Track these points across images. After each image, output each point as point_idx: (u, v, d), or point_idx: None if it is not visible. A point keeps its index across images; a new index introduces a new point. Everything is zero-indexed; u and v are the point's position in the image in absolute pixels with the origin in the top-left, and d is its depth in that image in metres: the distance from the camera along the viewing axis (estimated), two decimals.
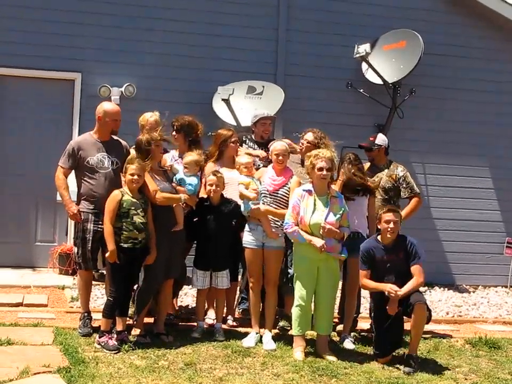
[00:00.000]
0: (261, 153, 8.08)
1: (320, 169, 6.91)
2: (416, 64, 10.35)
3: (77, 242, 7.35)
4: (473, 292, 10.86)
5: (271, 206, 7.28)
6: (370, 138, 8.45)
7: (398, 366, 6.79)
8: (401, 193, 8.28)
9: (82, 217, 7.22)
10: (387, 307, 6.80)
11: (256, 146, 8.42)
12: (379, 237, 7.03)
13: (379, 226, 7.05)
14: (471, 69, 11.25)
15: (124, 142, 7.54)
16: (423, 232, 10.80)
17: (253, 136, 8.57)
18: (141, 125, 7.84)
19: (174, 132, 7.88)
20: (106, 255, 6.83)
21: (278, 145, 7.41)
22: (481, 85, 11.27)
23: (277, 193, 7.30)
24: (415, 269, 6.89)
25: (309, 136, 7.80)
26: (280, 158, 7.31)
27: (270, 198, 7.30)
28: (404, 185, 8.26)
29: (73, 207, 7.24)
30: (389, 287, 6.77)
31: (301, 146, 7.84)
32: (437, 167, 11.17)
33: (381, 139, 8.42)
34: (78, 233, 7.30)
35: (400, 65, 10.54)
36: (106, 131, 7.39)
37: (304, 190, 7.01)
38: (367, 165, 8.20)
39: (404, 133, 10.91)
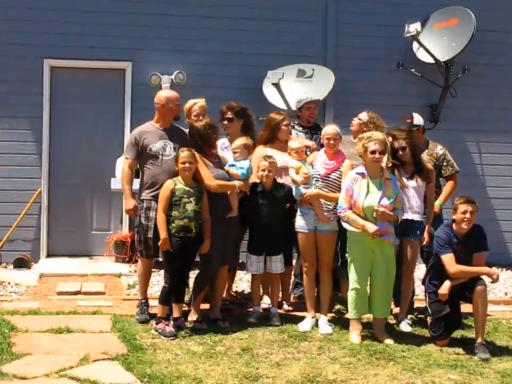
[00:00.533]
0: (312, 144, 8.00)
1: (373, 152, 6.83)
2: (468, 41, 10.15)
3: (138, 230, 7.41)
4: None
5: (323, 190, 7.24)
6: (407, 120, 8.32)
7: (457, 348, 6.71)
8: (442, 171, 8.12)
9: (145, 205, 7.27)
10: (438, 292, 6.71)
11: (303, 131, 8.38)
12: (454, 226, 6.87)
13: (454, 216, 6.89)
14: None
15: (184, 129, 7.56)
16: (480, 212, 10.52)
17: (299, 121, 8.51)
18: (187, 111, 7.84)
19: (226, 120, 7.86)
20: (159, 243, 6.88)
21: (329, 129, 7.35)
22: None
23: (329, 177, 7.25)
24: (479, 256, 6.79)
25: (363, 115, 7.79)
26: (332, 142, 7.25)
27: (322, 182, 7.26)
28: (445, 164, 8.09)
29: (130, 202, 7.29)
30: (492, 271, 6.74)
31: (351, 124, 7.78)
32: (492, 146, 10.95)
33: (417, 119, 8.29)
34: (140, 220, 7.34)
35: (452, 43, 10.34)
36: (170, 117, 7.44)
37: (357, 173, 6.94)
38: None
39: (457, 112, 10.73)
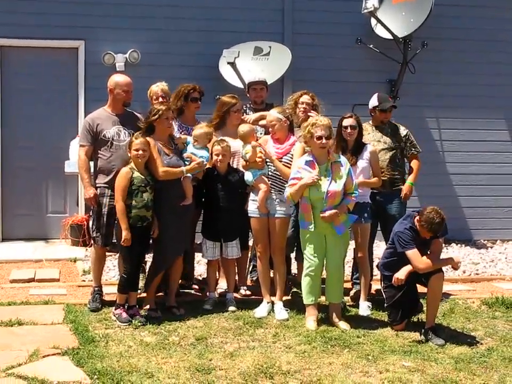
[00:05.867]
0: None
1: (319, 138, 6.72)
2: (426, 17, 10.11)
3: (92, 217, 7.31)
4: (491, 247, 10.73)
5: (275, 174, 7.17)
6: (390, 98, 8.17)
7: (413, 333, 6.70)
8: (405, 151, 8.03)
9: (98, 191, 7.16)
10: (394, 276, 6.65)
11: (252, 113, 8.16)
12: (418, 226, 6.68)
13: (417, 223, 6.66)
14: (483, 19, 10.94)
15: (138, 115, 7.42)
16: (439, 188, 10.69)
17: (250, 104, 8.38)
18: (150, 98, 7.69)
19: (199, 100, 7.73)
20: (121, 241, 6.76)
21: (269, 116, 7.24)
22: (494, 34, 10.99)
23: (281, 161, 7.15)
24: (439, 243, 6.72)
25: (305, 98, 7.70)
26: (272, 128, 7.17)
27: (274, 166, 7.18)
28: (408, 144, 8.01)
29: (90, 191, 7.15)
30: (456, 260, 6.67)
31: (298, 110, 7.66)
32: (451, 121, 10.95)
33: (373, 100, 8.09)
34: (93, 207, 7.23)
35: (411, 19, 10.28)
36: (119, 103, 7.28)
37: (306, 162, 6.84)
38: (367, 126, 7.92)
39: (416, 88, 10.71)
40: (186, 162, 7.14)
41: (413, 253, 6.60)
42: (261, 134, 7.73)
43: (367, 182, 7.36)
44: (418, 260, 6.57)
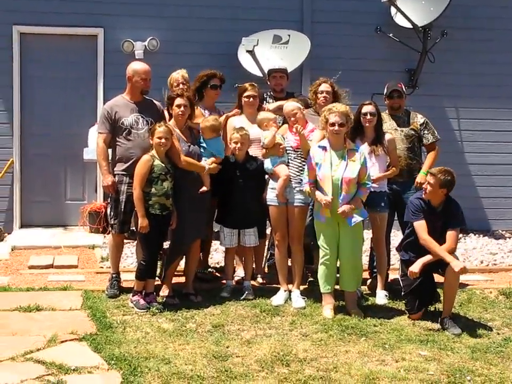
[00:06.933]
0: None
1: (333, 124, 6.73)
2: (446, 5, 10.05)
3: (110, 204, 7.34)
4: (510, 237, 10.65)
5: (295, 161, 7.17)
6: (398, 85, 8.13)
7: (430, 323, 6.69)
8: (424, 139, 7.99)
9: (117, 179, 7.17)
10: (409, 269, 6.65)
11: (272, 101, 8.20)
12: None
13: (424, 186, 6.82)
14: (504, 8, 10.84)
15: (157, 103, 7.43)
16: (457, 178, 10.44)
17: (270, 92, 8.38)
18: (170, 85, 7.70)
19: (218, 88, 7.72)
20: (139, 228, 6.79)
21: (286, 107, 7.24)
22: None
23: (299, 149, 7.15)
24: (452, 234, 6.70)
25: (324, 87, 7.65)
26: (292, 119, 7.15)
27: (294, 153, 7.18)
28: (426, 132, 7.95)
29: (108, 178, 7.16)
30: (456, 263, 6.53)
31: (319, 100, 7.62)
32: (470, 111, 10.85)
33: (388, 88, 8.10)
34: (111, 194, 7.25)
35: (430, 8, 10.22)
36: (137, 91, 7.27)
37: (319, 147, 6.86)
38: (384, 115, 7.88)
39: (435, 77, 10.62)
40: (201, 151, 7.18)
41: (418, 224, 6.67)
42: (279, 122, 7.72)
43: (384, 175, 7.35)
44: (421, 231, 6.63)
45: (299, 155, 7.16)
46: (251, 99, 7.59)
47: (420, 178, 7.72)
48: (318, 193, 6.79)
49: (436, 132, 7.98)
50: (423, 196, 6.73)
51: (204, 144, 7.21)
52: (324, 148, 6.83)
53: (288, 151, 7.21)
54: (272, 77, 8.33)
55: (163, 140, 6.80)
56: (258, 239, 7.54)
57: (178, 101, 6.98)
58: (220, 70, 7.96)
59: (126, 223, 7.25)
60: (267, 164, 7.26)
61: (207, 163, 7.12)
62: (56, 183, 10.21)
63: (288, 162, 7.20)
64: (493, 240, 10.36)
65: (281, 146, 7.20)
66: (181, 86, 7.51)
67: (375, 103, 7.39)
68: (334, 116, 6.73)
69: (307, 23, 10.42)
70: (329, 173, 6.73)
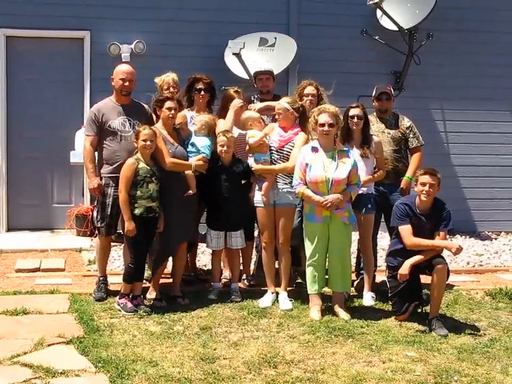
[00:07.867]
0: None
1: (322, 125, 6.76)
2: (432, 8, 10.13)
3: (96, 207, 7.34)
4: (495, 238, 10.74)
5: (277, 162, 7.19)
6: (387, 88, 8.17)
7: (416, 324, 6.71)
8: (409, 143, 8.03)
9: (103, 182, 7.17)
10: (398, 272, 6.67)
11: (259, 103, 8.19)
12: (417, 199, 6.79)
13: (415, 188, 6.84)
14: (489, 10, 10.95)
15: (145, 105, 7.44)
16: (443, 179, 10.46)
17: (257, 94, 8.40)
18: (159, 87, 7.71)
19: (202, 91, 7.71)
20: (125, 231, 6.79)
21: (277, 104, 7.26)
22: (500, 26, 10.98)
23: (283, 150, 7.18)
24: (441, 236, 6.70)
25: (309, 89, 7.69)
26: (279, 117, 7.19)
27: (277, 154, 7.20)
28: (411, 136, 7.99)
29: (94, 181, 7.15)
30: (450, 244, 6.68)
31: (305, 103, 7.63)
32: (456, 113, 10.94)
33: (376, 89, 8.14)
34: (97, 197, 7.25)
35: (416, 10, 10.29)
36: (118, 92, 7.27)
37: (311, 148, 6.88)
38: (371, 117, 7.91)
39: (421, 79, 10.70)
40: (190, 155, 7.19)
41: (403, 229, 6.69)
42: (267, 122, 7.74)
43: (371, 178, 7.38)
44: (407, 235, 6.66)
45: (281, 156, 7.18)
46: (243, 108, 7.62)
47: (403, 183, 7.76)
48: (314, 195, 6.79)
49: (420, 137, 8.03)
50: (424, 198, 6.70)
51: (193, 148, 7.23)
52: (315, 149, 6.86)
53: (271, 152, 7.23)
54: (259, 79, 8.37)
55: (148, 143, 6.79)
56: (245, 241, 7.55)
57: (168, 103, 6.98)
58: (206, 72, 7.98)
59: (113, 226, 7.25)
60: (250, 160, 7.29)
61: (193, 160, 7.13)
62: (43, 186, 10.20)
63: (273, 162, 7.22)
64: (479, 242, 10.44)
65: (265, 144, 7.22)
66: (171, 89, 7.53)
67: (362, 105, 7.41)
68: (324, 117, 6.76)
69: (293, 25, 10.47)
70: (322, 174, 6.75)
